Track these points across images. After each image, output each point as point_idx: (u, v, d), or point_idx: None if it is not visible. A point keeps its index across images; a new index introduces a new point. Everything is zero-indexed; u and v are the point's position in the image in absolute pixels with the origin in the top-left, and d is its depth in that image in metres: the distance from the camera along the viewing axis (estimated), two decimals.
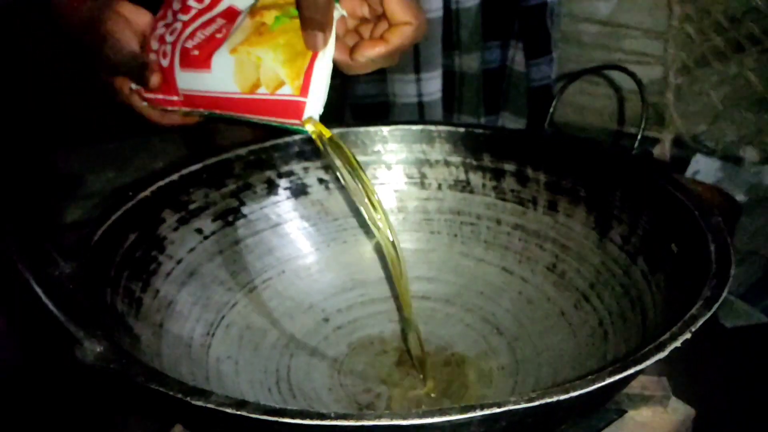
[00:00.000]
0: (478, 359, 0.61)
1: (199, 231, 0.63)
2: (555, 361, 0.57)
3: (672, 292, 0.48)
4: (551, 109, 0.68)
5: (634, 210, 0.57)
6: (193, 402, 0.32)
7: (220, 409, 0.31)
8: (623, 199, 0.59)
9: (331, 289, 0.70)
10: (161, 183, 0.60)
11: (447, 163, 0.72)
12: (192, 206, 0.63)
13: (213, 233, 0.64)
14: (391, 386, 0.59)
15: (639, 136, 0.59)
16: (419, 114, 1.04)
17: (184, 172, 0.63)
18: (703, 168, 1.52)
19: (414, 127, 0.73)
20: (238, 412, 0.31)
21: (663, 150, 1.58)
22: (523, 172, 0.68)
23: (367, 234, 0.73)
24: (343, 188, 0.72)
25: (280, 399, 0.56)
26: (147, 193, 0.58)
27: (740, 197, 1.34)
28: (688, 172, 1.51)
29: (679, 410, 0.55)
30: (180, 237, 0.61)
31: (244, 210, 0.67)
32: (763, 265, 1.24)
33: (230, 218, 0.66)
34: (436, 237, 0.72)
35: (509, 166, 0.69)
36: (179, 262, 0.60)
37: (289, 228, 0.70)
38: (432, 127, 0.72)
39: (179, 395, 0.32)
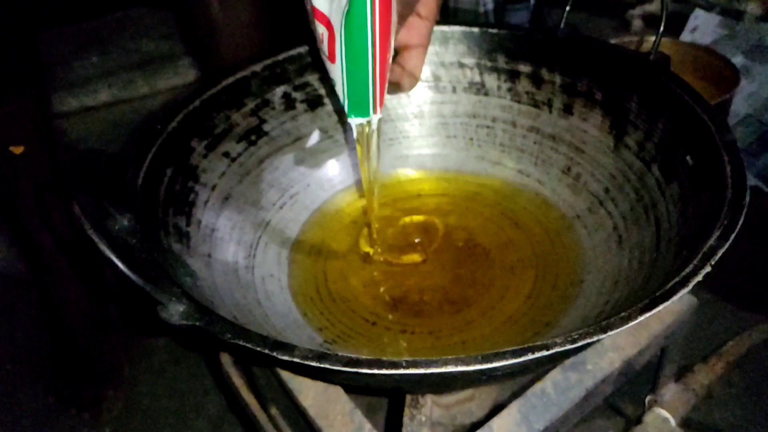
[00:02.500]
0: (500, 250, 0.66)
1: (227, 154, 0.64)
2: (571, 259, 0.62)
3: (686, 205, 0.52)
4: (567, 7, 0.67)
5: (650, 117, 0.59)
6: (280, 357, 0.36)
7: (306, 363, 0.36)
8: (639, 105, 0.60)
9: (355, 195, 0.73)
10: (185, 111, 0.61)
11: (461, 65, 0.72)
12: (217, 131, 0.64)
13: (239, 155, 0.66)
14: (419, 278, 0.63)
15: (657, 40, 0.59)
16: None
17: (205, 96, 0.63)
18: (702, 24, 1.50)
19: None
20: (321, 365, 0.36)
21: (662, 4, 1.54)
22: (538, 73, 0.68)
23: (383, 141, 0.74)
24: None
25: (323, 306, 0.61)
26: (174, 124, 0.59)
27: (738, 58, 1.34)
28: (687, 29, 1.48)
29: (683, 299, 0.61)
30: (210, 163, 0.62)
31: (265, 127, 0.68)
32: (758, 127, 1.27)
33: (253, 137, 0.67)
34: (452, 141, 0.74)
35: (524, 68, 0.69)
36: (213, 188, 0.62)
37: (310, 141, 0.71)
38: (445, 28, 0.71)
39: (266, 350, 0.37)
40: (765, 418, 0.83)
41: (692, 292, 0.45)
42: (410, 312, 0.60)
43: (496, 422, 0.53)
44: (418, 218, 0.71)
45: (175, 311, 0.39)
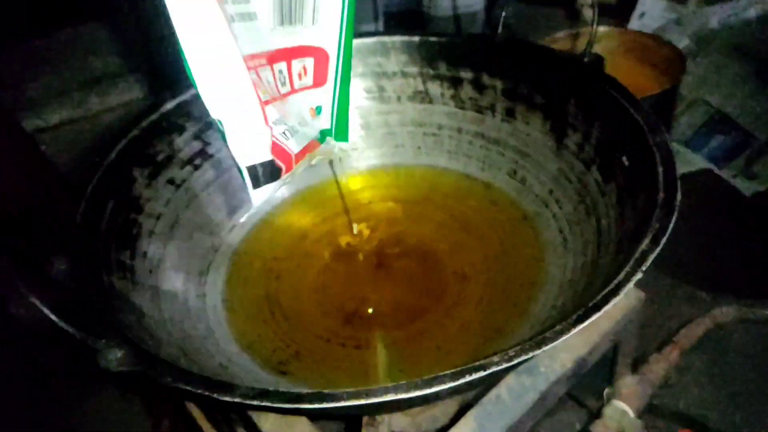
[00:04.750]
0: (451, 255, 0.66)
1: (171, 181, 0.64)
2: (520, 262, 0.63)
3: (624, 206, 0.53)
4: (502, 13, 0.67)
5: (587, 119, 0.60)
6: (221, 398, 0.36)
7: (246, 402, 0.36)
8: (577, 107, 0.61)
9: (305, 208, 0.73)
10: (124, 141, 0.60)
11: (404, 74, 0.72)
12: (159, 158, 0.63)
13: (184, 180, 0.65)
14: (372, 289, 0.64)
15: (590, 42, 0.60)
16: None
17: (144, 124, 0.62)
18: (649, 10, 1.52)
19: (368, 40, 0.71)
20: (263, 403, 0.36)
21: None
22: (480, 79, 0.69)
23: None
24: None
25: (276, 326, 0.61)
26: (113, 155, 0.58)
27: (685, 43, 1.37)
28: (635, 15, 1.51)
29: (630, 294, 0.62)
30: (154, 192, 0.62)
31: (210, 150, 0.68)
32: (707, 110, 1.29)
33: (198, 161, 0.67)
34: (401, 150, 0.74)
35: (465, 74, 0.70)
36: (159, 217, 0.61)
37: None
38: (386, 38, 0.71)
39: (206, 393, 0.36)
40: (724, 397, 0.85)
41: (648, 275, 0.46)
42: (364, 325, 0.60)
43: None
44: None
45: (114, 357, 0.39)
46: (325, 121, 0.57)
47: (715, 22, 1.42)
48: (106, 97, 1.66)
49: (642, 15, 1.55)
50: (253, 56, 0.46)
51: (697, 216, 1.15)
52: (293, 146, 0.49)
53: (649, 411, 0.71)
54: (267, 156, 0.45)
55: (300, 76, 0.53)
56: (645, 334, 0.83)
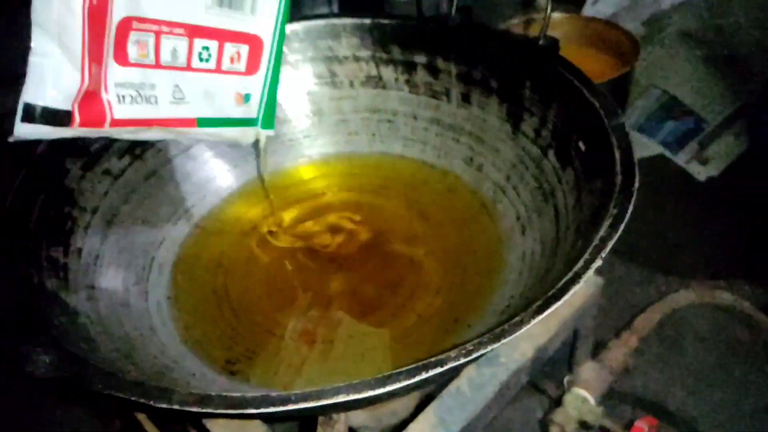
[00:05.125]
0: (408, 244, 0.64)
1: (108, 172, 0.60)
2: (479, 250, 0.61)
3: (581, 192, 0.51)
4: None
5: (543, 103, 0.59)
6: (157, 405, 0.33)
7: (186, 409, 0.33)
8: (533, 91, 0.60)
9: (253, 199, 0.70)
10: None
11: (356, 59, 0.70)
12: (93, 147, 0.59)
13: (123, 171, 0.61)
14: (327, 282, 0.61)
15: (545, 25, 0.59)
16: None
17: None
18: None
19: (317, 23, 0.69)
20: (204, 410, 0.33)
21: None
22: (434, 63, 0.67)
23: (283, 143, 0.71)
24: None
25: (225, 324, 0.58)
26: (43, 146, 0.54)
27: (638, 29, 1.37)
28: (589, 1, 1.51)
29: (588, 281, 0.61)
30: (89, 184, 0.58)
31: None
32: (660, 96, 1.31)
33: (137, 151, 0.63)
34: (355, 138, 0.72)
35: (419, 58, 0.67)
36: (95, 211, 0.57)
37: (202, 149, 0.68)
38: (336, 21, 0.68)
39: (141, 400, 0.33)
40: (681, 381, 0.86)
41: (604, 261, 0.45)
42: (319, 319, 0.58)
43: (413, 428, 0.52)
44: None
45: (42, 363, 0.36)
46: (252, 110, 0.59)
47: (668, 7, 1.43)
48: None
49: (596, 1, 1.55)
50: (161, 22, 0.48)
51: (652, 201, 1.16)
52: (134, 112, 0.50)
53: (608, 397, 0.71)
54: (62, 105, 0.45)
55: (232, 60, 0.54)
56: (602, 319, 0.83)
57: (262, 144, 0.62)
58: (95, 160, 0.59)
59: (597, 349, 0.73)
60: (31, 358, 0.36)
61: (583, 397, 0.66)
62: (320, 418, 0.51)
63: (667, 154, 1.24)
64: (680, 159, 1.24)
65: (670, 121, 1.30)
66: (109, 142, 0.60)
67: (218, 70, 0.54)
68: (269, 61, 0.57)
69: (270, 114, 0.60)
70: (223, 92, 0.55)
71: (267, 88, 0.59)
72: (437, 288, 0.59)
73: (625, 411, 0.81)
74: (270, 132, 0.62)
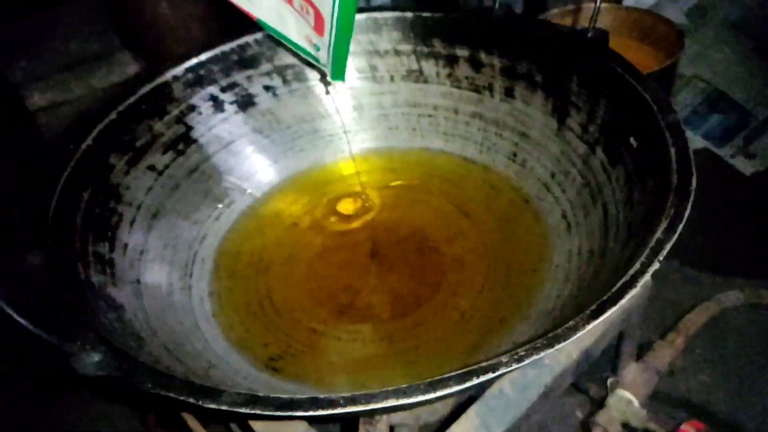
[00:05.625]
0: (449, 242, 0.63)
1: (152, 168, 0.60)
2: (522, 248, 0.60)
3: (632, 190, 0.50)
4: None
5: (591, 98, 0.57)
6: (206, 406, 0.33)
7: (234, 410, 0.33)
8: (580, 85, 0.58)
9: (293, 195, 0.70)
10: (100, 126, 0.56)
11: (397, 53, 0.69)
12: (138, 143, 0.59)
13: (167, 167, 0.61)
14: (367, 279, 0.61)
15: (594, 17, 0.57)
16: None
17: (121, 107, 0.58)
18: None
19: (358, 17, 0.67)
20: (252, 411, 0.33)
21: None
22: (477, 57, 0.65)
23: (323, 138, 0.71)
24: (291, 93, 0.69)
25: (266, 320, 0.58)
26: (88, 141, 0.54)
27: (681, 19, 1.33)
28: None
29: None
30: (134, 180, 0.58)
31: (193, 134, 0.64)
32: (704, 88, 1.27)
33: (180, 147, 0.63)
34: (395, 132, 0.71)
35: (462, 52, 0.66)
36: (139, 207, 0.58)
37: (243, 144, 0.68)
38: (377, 15, 0.67)
39: (190, 399, 0.33)
40: (726, 382, 0.83)
41: None
42: (360, 317, 0.57)
43: (455, 430, 0.51)
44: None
45: (89, 361, 0.36)
46: (322, 58, 0.58)
47: None
48: (88, 80, 1.60)
49: None
50: None
51: (696, 197, 1.12)
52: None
53: (652, 399, 0.69)
54: None
55: (302, 9, 0.54)
56: (648, 319, 0.81)
57: (332, 89, 0.65)
58: (140, 155, 0.59)
59: (641, 350, 0.71)
60: (79, 356, 0.36)
61: (627, 399, 0.65)
62: (362, 418, 0.51)
63: (712, 148, 1.20)
64: (725, 153, 1.20)
65: (715, 115, 1.26)
66: (152, 138, 0.61)
67: (290, 3, 0.54)
68: (331, 32, 0.54)
69: (339, 69, 0.58)
70: (294, 24, 0.55)
71: (332, 49, 0.56)
72: (480, 286, 0.58)
73: (669, 413, 0.79)
74: (340, 81, 0.60)
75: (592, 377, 0.76)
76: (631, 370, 0.67)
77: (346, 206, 0.69)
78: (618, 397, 0.65)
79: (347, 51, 0.55)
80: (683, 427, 0.66)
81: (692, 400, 0.82)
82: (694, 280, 0.97)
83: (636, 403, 0.65)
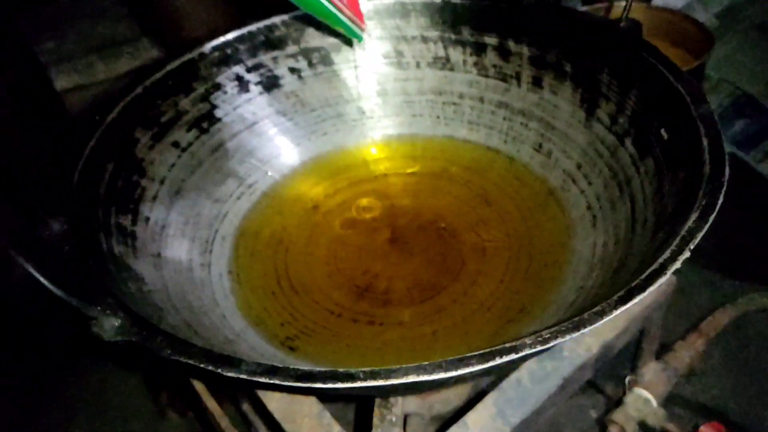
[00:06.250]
0: (471, 231, 0.63)
1: (176, 144, 0.60)
2: (545, 239, 0.59)
3: (662, 182, 0.49)
4: None
5: (622, 89, 0.56)
6: (226, 374, 0.33)
7: (253, 379, 0.32)
8: (611, 76, 0.57)
9: (314, 178, 0.69)
10: (126, 100, 0.56)
11: (424, 39, 0.68)
12: (163, 119, 0.59)
13: (190, 144, 0.61)
14: (386, 264, 0.60)
15: (627, 6, 0.56)
16: None
17: (147, 83, 0.58)
18: None
19: (386, 1, 0.67)
20: (271, 381, 0.32)
21: None
22: (505, 45, 0.65)
23: (346, 122, 0.71)
24: (316, 76, 0.69)
25: (285, 300, 0.58)
26: (114, 114, 0.55)
27: (712, 21, 1.31)
28: None
29: None
30: (158, 155, 0.58)
31: (218, 113, 0.64)
32: (732, 92, 1.25)
33: (204, 125, 0.63)
34: (419, 120, 0.70)
35: (490, 40, 0.65)
36: (162, 182, 0.58)
37: (267, 125, 0.67)
38: (406, 0, 0.67)
39: (210, 367, 0.33)
40: (745, 388, 0.82)
41: None
42: (378, 301, 0.57)
43: (471, 417, 0.51)
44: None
45: (110, 326, 0.36)
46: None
47: (743, 1, 1.37)
48: (114, 63, 1.61)
49: None
50: None
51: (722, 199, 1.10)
52: None
53: (670, 399, 0.68)
54: None
55: None
56: (669, 321, 0.80)
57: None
58: (164, 131, 0.59)
59: (661, 350, 0.69)
60: (100, 320, 0.36)
61: (645, 398, 0.64)
62: (378, 401, 0.50)
63: (738, 153, 1.18)
64: (752, 159, 1.18)
65: (742, 119, 1.24)
66: (177, 115, 0.61)
67: None
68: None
69: (349, 31, 0.55)
70: None
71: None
72: (501, 276, 0.57)
73: (686, 415, 0.78)
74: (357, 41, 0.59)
75: (610, 376, 0.75)
76: (650, 369, 0.66)
77: (367, 191, 0.68)
78: (636, 396, 0.64)
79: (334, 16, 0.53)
80: (703, 428, 0.64)
81: (710, 404, 0.81)
82: (717, 285, 0.95)
83: (654, 402, 0.63)
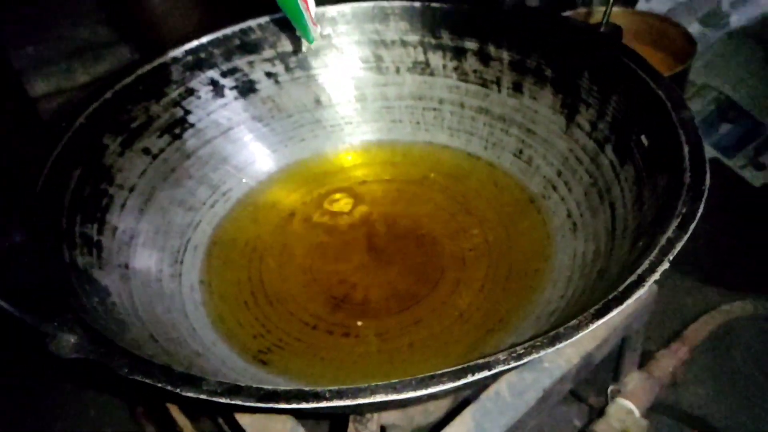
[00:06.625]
0: (450, 239, 0.61)
1: (147, 151, 0.59)
2: (525, 247, 0.58)
3: (642, 189, 0.48)
4: None
5: (603, 94, 0.55)
6: (184, 394, 0.31)
7: (214, 399, 0.31)
8: (591, 81, 0.56)
9: (291, 186, 0.68)
10: (95, 105, 0.54)
11: (404, 44, 0.67)
12: (134, 125, 0.58)
13: (162, 151, 0.60)
14: (364, 273, 0.59)
15: (607, 11, 0.55)
16: None
17: (117, 87, 0.57)
18: None
19: (365, 4, 0.66)
20: (233, 401, 0.31)
21: None
22: (485, 50, 0.64)
23: (324, 128, 0.69)
24: (293, 81, 0.67)
25: (258, 311, 0.57)
26: (81, 119, 0.53)
27: (695, 27, 1.31)
28: None
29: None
30: (127, 162, 0.56)
31: (191, 119, 0.62)
32: (715, 97, 1.25)
33: (177, 131, 0.61)
34: (398, 126, 0.69)
35: (470, 44, 0.64)
36: (132, 189, 0.56)
37: (242, 131, 0.66)
38: (385, 4, 0.66)
39: (168, 387, 0.32)
40: (728, 397, 0.81)
41: None
42: (354, 312, 0.56)
43: (449, 431, 0.49)
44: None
45: (67, 343, 0.34)
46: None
47: (727, 5, 1.37)
48: (94, 67, 1.59)
49: None
50: None
51: (705, 206, 1.10)
52: None
53: (651, 409, 0.67)
54: None
55: None
56: (652, 329, 0.79)
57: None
58: (135, 137, 0.57)
59: (644, 359, 0.69)
60: (56, 337, 0.34)
61: (628, 408, 0.63)
62: (352, 416, 0.49)
63: (722, 158, 1.18)
64: (735, 164, 1.18)
65: (726, 124, 1.24)
66: (148, 120, 0.59)
67: None
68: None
69: (304, 31, 0.55)
70: None
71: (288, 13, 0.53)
72: (480, 285, 0.56)
73: (670, 426, 0.77)
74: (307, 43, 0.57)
75: (593, 385, 0.74)
76: (632, 379, 0.65)
77: (345, 198, 0.67)
78: (618, 406, 0.63)
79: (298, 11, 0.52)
80: None
81: (694, 412, 0.80)
82: (700, 292, 0.95)
83: (637, 412, 0.62)
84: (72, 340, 0.34)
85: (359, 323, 0.54)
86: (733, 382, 0.83)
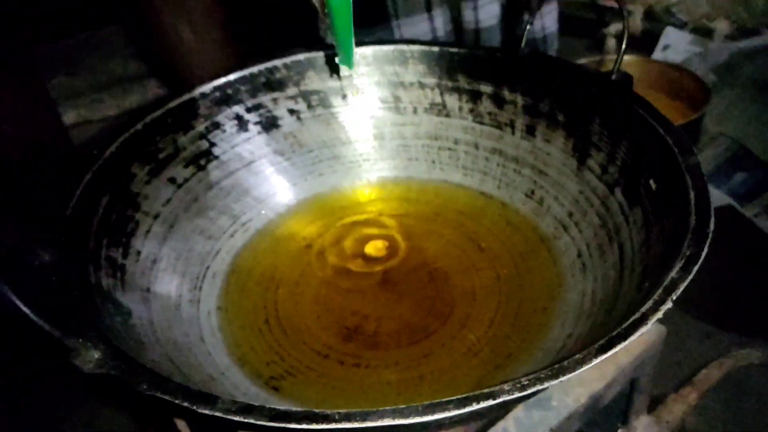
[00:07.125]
0: (462, 275, 0.62)
1: (172, 180, 0.61)
2: (535, 285, 0.59)
3: (650, 232, 0.49)
4: (526, 27, 0.64)
5: (613, 139, 0.57)
6: (200, 410, 0.33)
7: (228, 417, 0.32)
8: (602, 126, 0.58)
9: (309, 218, 0.70)
10: (125, 135, 0.57)
11: (422, 85, 0.69)
12: (161, 155, 0.60)
13: (186, 180, 0.62)
14: (376, 305, 0.60)
15: (618, 59, 0.57)
16: None
17: (147, 119, 0.60)
18: (674, 42, 1.50)
19: (385, 48, 0.69)
20: (246, 420, 0.32)
21: (634, 23, 1.54)
22: (500, 94, 0.66)
23: (343, 164, 0.72)
24: (314, 118, 0.70)
25: (272, 338, 0.58)
26: (112, 149, 0.56)
27: (709, 76, 1.34)
28: (659, 47, 1.48)
29: (651, 329, 0.58)
30: (153, 190, 0.59)
31: (216, 151, 0.65)
32: (730, 145, 1.26)
33: (202, 162, 0.64)
34: (414, 164, 0.71)
35: (486, 88, 0.67)
36: (156, 216, 0.58)
37: (264, 165, 0.68)
38: (405, 47, 0.69)
39: (185, 403, 0.33)
40: None
41: (663, 316, 0.43)
42: (366, 343, 0.57)
43: None
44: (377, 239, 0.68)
45: (90, 358, 0.36)
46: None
47: (741, 56, 1.39)
48: (122, 99, 1.65)
49: (666, 47, 1.52)
50: None
51: (717, 253, 1.10)
52: None
53: None
54: None
55: None
56: (662, 373, 0.79)
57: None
58: (162, 166, 0.60)
59: (653, 403, 0.69)
60: (80, 352, 0.36)
61: None
62: None
63: (736, 205, 1.18)
64: (749, 212, 1.18)
65: (740, 172, 1.25)
66: (175, 151, 0.62)
67: None
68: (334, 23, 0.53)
69: (347, 56, 0.57)
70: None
71: (338, 38, 0.55)
72: (490, 321, 0.57)
73: None
74: (346, 69, 0.59)
75: (601, 427, 0.73)
76: (641, 423, 0.65)
77: (360, 232, 0.68)
78: None
79: (349, 38, 0.54)
80: None
81: None
82: (713, 337, 0.94)
83: None
84: (95, 356, 0.36)
85: (370, 354, 0.56)
86: (744, 429, 0.82)
